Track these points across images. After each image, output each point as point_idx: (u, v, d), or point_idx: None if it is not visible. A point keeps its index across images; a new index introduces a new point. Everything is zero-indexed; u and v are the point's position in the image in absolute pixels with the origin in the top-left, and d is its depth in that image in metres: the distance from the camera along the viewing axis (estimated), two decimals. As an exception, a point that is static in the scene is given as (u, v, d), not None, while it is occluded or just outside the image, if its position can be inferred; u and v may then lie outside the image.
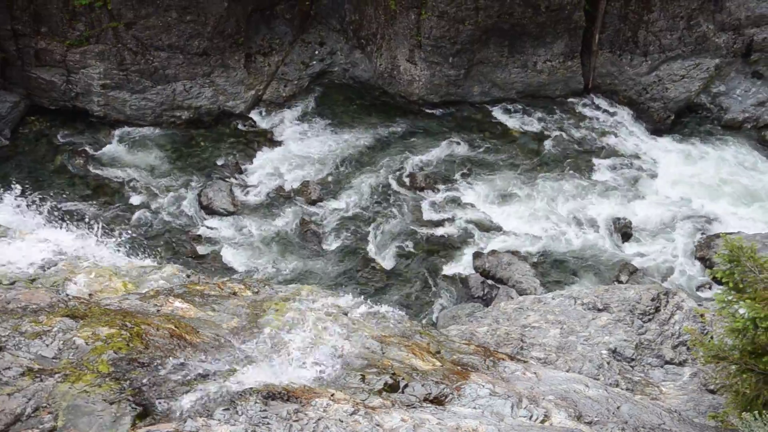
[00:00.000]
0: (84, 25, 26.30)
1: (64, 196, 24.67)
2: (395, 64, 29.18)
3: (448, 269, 23.75)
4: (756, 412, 8.89)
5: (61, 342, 7.06)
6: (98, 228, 11.75)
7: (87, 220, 22.53)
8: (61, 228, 11.23)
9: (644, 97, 29.16)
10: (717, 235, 23.74)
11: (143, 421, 6.28)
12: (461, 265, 23.75)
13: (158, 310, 8.74)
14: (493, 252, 23.80)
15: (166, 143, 27.39)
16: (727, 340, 9.83)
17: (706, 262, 23.26)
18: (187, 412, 6.49)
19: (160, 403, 6.54)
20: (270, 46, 29.66)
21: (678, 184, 26.73)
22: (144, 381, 6.74)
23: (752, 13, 28.17)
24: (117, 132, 27.37)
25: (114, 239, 11.76)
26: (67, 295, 8.71)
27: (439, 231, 24.87)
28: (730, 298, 9.53)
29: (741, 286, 9.48)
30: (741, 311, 9.39)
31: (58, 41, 26.44)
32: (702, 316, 14.61)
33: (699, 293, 22.77)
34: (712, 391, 12.56)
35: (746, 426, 8.78)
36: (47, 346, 7.01)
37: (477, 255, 23.80)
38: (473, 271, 23.44)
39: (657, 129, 28.92)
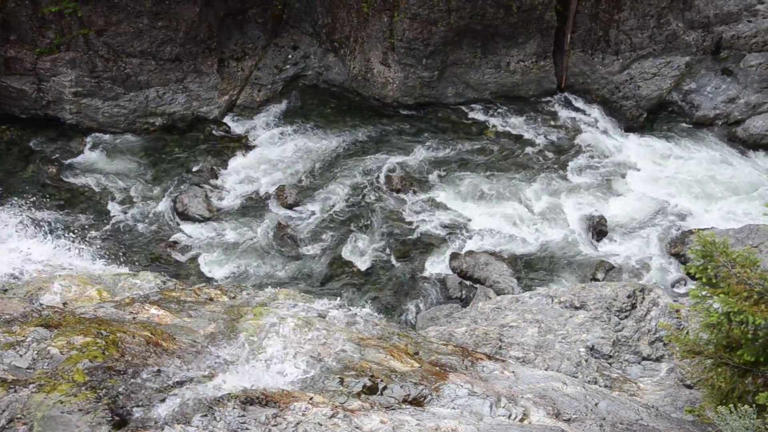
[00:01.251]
0: (54, 32, 26.08)
1: (37, 205, 24.42)
2: (369, 66, 29.19)
3: (426, 270, 23.76)
4: (731, 405, 8.96)
5: (36, 352, 7.00)
6: (72, 237, 11.67)
7: (60, 229, 22.36)
8: (34, 237, 11.14)
9: (617, 95, 29.37)
10: (691, 231, 23.94)
11: (120, 430, 6.24)
12: (439, 266, 23.78)
13: (134, 318, 8.68)
14: (470, 252, 23.86)
15: (139, 150, 27.22)
16: (703, 335, 9.91)
17: (681, 258, 23.45)
18: (164, 420, 6.46)
19: (137, 411, 6.50)
20: (243, 51, 29.57)
21: (651, 182, 26.92)
22: (120, 389, 6.70)
23: (720, 10, 28.45)
24: (90, 140, 27.14)
25: (88, 248, 11.69)
26: (41, 304, 8.63)
27: (416, 232, 24.89)
28: (704, 293, 9.61)
29: (714, 281, 9.56)
30: (715, 306, 9.48)
31: (28, 49, 26.20)
32: (678, 311, 14.72)
33: (674, 289, 22.94)
34: (689, 386, 12.66)
35: (722, 419, 8.85)
36: (21, 356, 6.94)
37: (454, 256, 23.84)
38: (451, 272, 23.47)
39: (630, 127, 29.12)
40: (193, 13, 27.36)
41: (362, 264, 23.81)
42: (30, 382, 6.50)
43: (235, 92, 29.12)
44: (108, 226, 24.27)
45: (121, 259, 20.34)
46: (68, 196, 25.15)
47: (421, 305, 22.57)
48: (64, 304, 9.13)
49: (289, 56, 30.20)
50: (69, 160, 26.35)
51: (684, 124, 29.21)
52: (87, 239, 22.83)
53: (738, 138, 28.39)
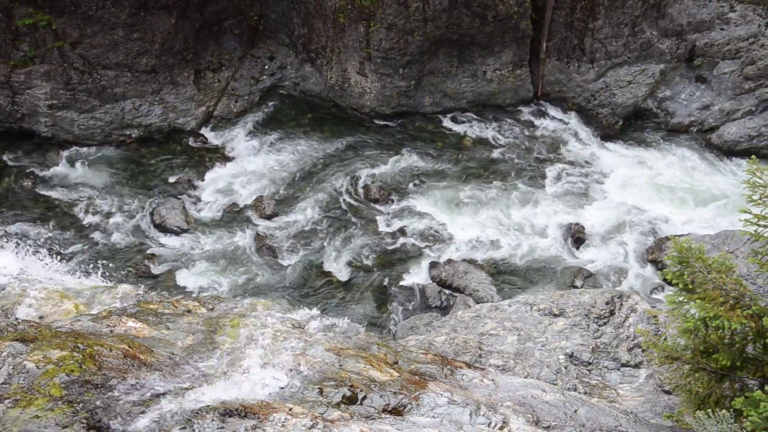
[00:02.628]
0: (28, 45, 25.91)
1: (12, 219, 24.23)
2: (346, 76, 29.22)
3: (405, 280, 23.76)
4: (709, 410, 9.03)
5: (11, 366, 6.93)
6: (48, 250, 11.58)
7: (36, 242, 22.19)
8: (9, 251, 11.04)
9: (593, 103, 29.56)
10: (667, 238, 24.10)
11: (98, 443, 6.19)
12: (418, 275, 23.79)
13: (111, 331, 8.62)
14: (449, 261, 23.89)
15: (116, 162, 27.06)
16: (680, 341, 9.98)
17: (658, 265, 23.60)
18: (142, 433, 6.41)
19: (115, 424, 6.45)
20: (219, 62, 29.52)
21: (628, 189, 27.10)
22: (98, 403, 6.64)
23: (693, 19, 28.72)
24: (66, 152, 26.95)
25: (65, 261, 11.61)
26: (17, 318, 8.55)
27: (395, 242, 24.89)
28: (680, 298, 9.68)
29: (691, 286, 9.63)
30: (692, 311, 9.54)
31: (2, 62, 25.98)
32: (655, 317, 14.81)
33: (652, 296, 23.08)
34: (667, 392, 12.73)
35: (700, 424, 8.91)
36: (-4, 371, 6.88)
37: (433, 265, 23.87)
38: (430, 281, 23.49)
39: (606, 134, 29.32)
40: (169, 25, 27.28)
41: (341, 274, 23.78)
42: (6, 397, 6.44)
43: (212, 103, 29.04)
44: (85, 240, 24.09)
45: (98, 273, 20.17)
46: (44, 209, 24.94)
47: (400, 315, 22.56)
48: (40, 317, 9.05)
49: (266, 67, 30.18)
50: (44, 173, 26.15)
51: (659, 131, 29.45)
52: (63, 253, 22.67)
53: (713, 144, 28.65)
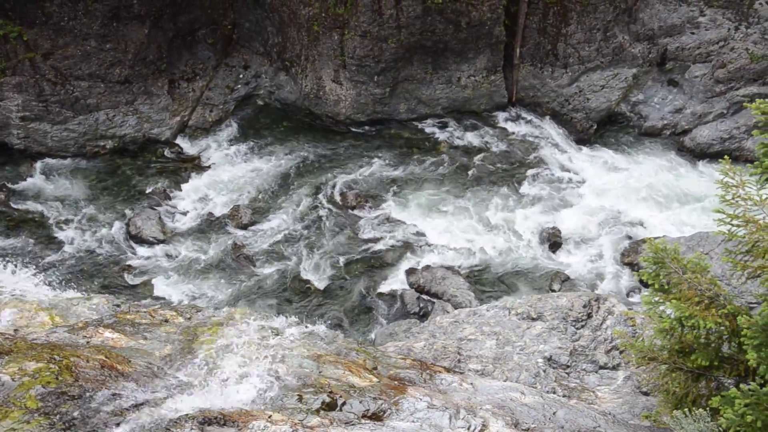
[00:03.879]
0: None
1: (-14, 232, 24.03)
2: (321, 84, 29.23)
3: (383, 287, 23.76)
4: (686, 409, 9.09)
5: (-14, 379, 6.86)
6: (22, 262, 11.48)
7: (10, 254, 21.98)
8: (-18, 264, 10.94)
9: (567, 108, 29.76)
10: (643, 241, 24.28)
11: (76, 455, 6.14)
12: (396, 282, 23.81)
13: (88, 342, 8.56)
14: (427, 267, 23.92)
15: (91, 174, 26.90)
16: (656, 341, 10.04)
17: (634, 267, 23.76)
18: (121, 443, 6.37)
19: (92, 435, 6.40)
20: (193, 72, 29.44)
21: (603, 192, 27.29)
22: (75, 414, 6.59)
23: (664, 23, 29.02)
24: (39, 164, 26.77)
25: (40, 273, 11.52)
26: (-9, 331, 8.47)
27: (373, 249, 24.90)
28: (656, 299, 9.75)
29: (666, 287, 9.71)
30: (668, 311, 9.62)
31: (-26, 74, 25.84)
32: (632, 319, 14.90)
33: (629, 298, 23.22)
34: (645, 393, 12.80)
35: (677, 423, 8.97)
36: (-29, 384, 6.80)
37: (411, 271, 23.89)
38: (408, 288, 23.50)
39: (581, 139, 29.52)
40: (142, 35, 27.18)
41: (319, 282, 23.75)
42: (-19, 411, 6.37)
43: (186, 113, 28.95)
44: (60, 252, 23.91)
45: (74, 284, 20.04)
46: (18, 221, 24.73)
47: (379, 321, 22.56)
48: (15, 330, 8.97)
49: (240, 76, 30.14)
50: (18, 186, 25.95)
51: (633, 135, 29.70)
52: (38, 265, 22.47)
53: (686, 147, 28.92)
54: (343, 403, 8.00)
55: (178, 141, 28.58)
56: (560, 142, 29.46)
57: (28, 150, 26.83)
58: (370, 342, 21.03)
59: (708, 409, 9.03)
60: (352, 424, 7.59)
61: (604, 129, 29.91)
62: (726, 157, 9.59)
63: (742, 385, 8.51)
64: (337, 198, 26.72)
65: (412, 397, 8.41)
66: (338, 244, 25.00)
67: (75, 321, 9.47)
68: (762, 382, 8.32)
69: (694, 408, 9.08)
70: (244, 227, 25.39)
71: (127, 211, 25.53)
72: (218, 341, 8.86)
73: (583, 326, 15.01)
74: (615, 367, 14.27)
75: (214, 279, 23.62)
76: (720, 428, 8.65)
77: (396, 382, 9.03)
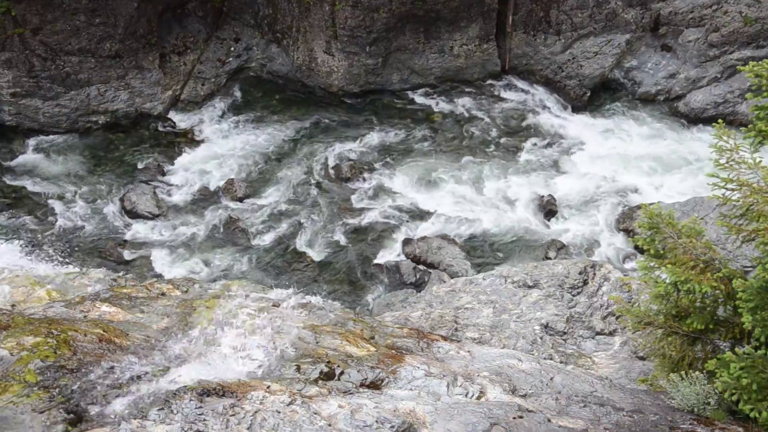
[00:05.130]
0: (-12, 33, 25.54)
1: (-20, 209, 23.97)
2: (312, 56, 29.08)
3: (380, 257, 23.80)
4: (682, 372, 9.15)
5: (-16, 355, 6.88)
6: (18, 239, 11.47)
7: (5, 231, 21.97)
8: (-23, 241, 10.93)
9: (560, 75, 29.66)
10: (638, 207, 24.29)
11: (76, 427, 6.17)
12: (392, 253, 23.83)
13: (85, 316, 8.58)
14: (423, 237, 23.95)
15: (84, 149, 26.80)
16: (652, 306, 10.08)
17: (629, 234, 23.79)
18: (120, 415, 6.40)
19: (92, 408, 6.44)
20: (184, 45, 29.24)
21: (598, 159, 27.27)
22: (74, 387, 6.62)
23: (658, -13, 28.89)
24: (31, 141, 26.66)
25: (36, 249, 11.52)
26: (-12, 307, 8.48)
27: (368, 220, 24.90)
28: (652, 264, 9.78)
29: (662, 252, 9.73)
30: (663, 276, 9.65)
31: (-38, 51, 25.63)
32: (628, 285, 14.96)
33: (624, 264, 23.30)
34: (642, 358, 12.89)
35: (674, 386, 9.04)
36: (-31, 359, 6.82)
37: (407, 241, 23.92)
38: (404, 258, 23.54)
39: (574, 106, 29.45)
40: (131, 8, 26.96)
41: (315, 254, 23.78)
42: (-20, 386, 6.40)
43: (178, 87, 28.81)
44: (55, 228, 23.87)
45: (71, 260, 20.02)
46: (12, 198, 24.66)
47: (376, 292, 22.62)
48: (12, 305, 8.98)
49: (232, 49, 29.95)
50: (10, 163, 25.85)
51: (627, 101, 29.63)
52: (34, 241, 22.45)
53: (680, 113, 28.88)
54: (341, 373, 8.04)
55: (171, 115, 28.46)
56: (554, 110, 29.39)
57: (20, 126, 26.70)
58: (368, 312, 21.11)
59: (704, 372, 9.09)
60: (351, 393, 7.64)
61: (598, 96, 29.82)
62: (720, 120, 9.56)
63: (737, 349, 8.57)
64: (332, 169, 26.67)
65: (410, 365, 8.45)
66: (333, 215, 25.00)
67: (72, 296, 9.48)
68: (757, 345, 8.37)
69: (690, 371, 9.14)
70: (239, 200, 25.36)
71: (121, 187, 25.46)
72: (215, 314, 8.88)
73: (579, 293, 15.08)
74: (611, 333, 14.36)
75: (210, 252, 23.63)
76: (716, 391, 8.72)
77: (393, 351, 9.07)
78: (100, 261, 22.72)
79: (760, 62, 8.90)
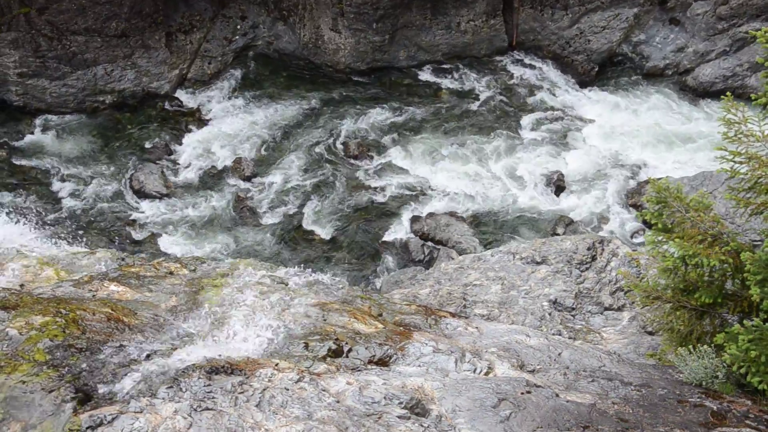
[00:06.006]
0: (-6, 13, 25.51)
1: (-11, 190, 24.04)
2: (319, 33, 28.96)
3: (388, 235, 23.81)
4: (691, 346, 9.15)
5: (-6, 334, 6.91)
6: (26, 219, 11.49)
7: (14, 211, 22.00)
8: (-14, 221, 10.96)
9: (568, 50, 29.47)
10: (647, 181, 24.19)
11: (85, 406, 6.20)
12: (400, 230, 23.84)
13: (93, 295, 8.60)
14: (431, 215, 23.94)
15: (91, 129, 26.82)
16: (660, 280, 10.05)
17: (639, 209, 23.73)
18: (130, 394, 6.43)
19: (101, 387, 6.47)
20: (190, 24, 29.15)
21: (606, 134, 27.16)
22: (83, 366, 6.65)
23: (666, -40, 28.64)
24: (39, 121, 26.69)
25: (44, 229, 11.54)
26: (-3, 287, 8.52)
27: (376, 198, 24.89)
28: (660, 238, 9.74)
29: (669, 226, 9.69)
30: (671, 250, 9.61)
31: (-32, 32, 25.61)
32: (636, 260, 14.92)
33: (633, 239, 23.25)
34: (650, 333, 12.88)
35: (682, 360, 9.03)
36: (-21, 339, 6.85)
37: (415, 219, 23.91)
38: (413, 235, 23.55)
39: (582, 81, 29.29)
40: (137, -13, 26.89)
41: (323, 232, 23.79)
42: (-10, 365, 6.43)
43: (185, 66, 28.75)
44: (63, 207, 23.95)
45: (79, 240, 20.07)
46: (20, 178, 24.73)
47: (384, 270, 22.64)
48: (21, 285, 9.01)
49: (238, 27, 29.84)
50: (18, 143, 25.90)
51: (635, 76, 29.45)
52: (42, 221, 22.52)
53: (688, 87, 28.69)
54: (349, 350, 8.06)
55: (178, 94, 28.43)
56: (562, 85, 29.25)
57: (28, 107, 26.73)
58: (376, 290, 21.14)
59: (712, 345, 9.09)
60: (359, 370, 7.66)
61: (606, 70, 29.65)
62: (728, 93, 9.49)
63: (745, 321, 8.54)
64: (339, 147, 26.64)
65: (418, 342, 8.46)
66: (341, 193, 24.98)
67: (80, 275, 9.51)
68: (765, 317, 8.35)
69: (698, 345, 9.13)
70: (247, 179, 25.37)
71: (129, 166, 25.49)
72: (224, 292, 8.90)
73: (587, 269, 15.06)
74: (620, 308, 14.34)
75: (218, 231, 23.67)
76: (724, 364, 8.72)
77: (401, 328, 9.09)
78: (108, 240, 22.80)
79: (771, 30, 8.80)
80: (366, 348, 8.14)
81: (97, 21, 26.61)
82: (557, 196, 25.08)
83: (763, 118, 8.92)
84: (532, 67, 29.90)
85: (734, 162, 9.15)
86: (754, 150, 9.01)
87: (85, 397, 6.29)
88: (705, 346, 9.01)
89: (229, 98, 28.48)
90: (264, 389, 6.69)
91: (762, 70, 8.82)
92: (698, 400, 8.24)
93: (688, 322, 9.69)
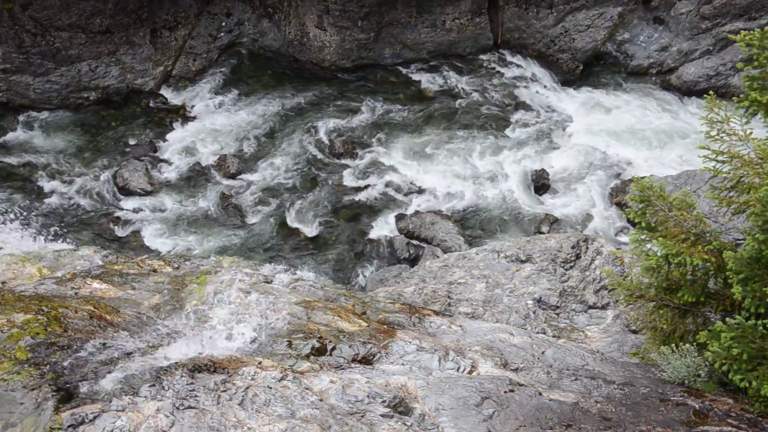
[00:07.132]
0: (-23, 8, 25.32)
1: (-29, 187, 23.87)
2: (304, 31, 28.90)
3: (373, 233, 23.80)
4: (674, 345, 9.20)
5: (-25, 332, 6.86)
6: (8, 216, 11.40)
7: (-4, 209, 21.89)
8: (-33, 218, 10.87)
9: (552, 49, 29.54)
10: (631, 180, 24.28)
11: (67, 404, 6.17)
12: (385, 228, 23.83)
13: (76, 293, 8.56)
14: (416, 213, 23.95)
15: (75, 126, 26.65)
16: (644, 279, 10.11)
17: (623, 207, 23.82)
18: (112, 392, 6.40)
19: (83, 385, 6.44)
20: (175, 20, 29.01)
21: (591, 133, 27.23)
22: (65, 364, 6.62)
23: (650, -41, 28.74)
24: (22, 117, 26.49)
25: (26, 226, 11.45)
26: (-22, 285, 8.46)
27: (361, 196, 24.88)
28: (643, 237, 9.80)
29: (653, 224, 9.75)
30: (654, 249, 9.67)
31: (-48, 27, 25.41)
32: (620, 259, 14.99)
33: (617, 238, 23.34)
34: (634, 331, 12.94)
35: (665, 359, 9.09)
36: (-40, 337, 6.81)
37: (400, 217, 23.92)
38: (398, 234, 23.55)
39: (567, 80, 29.35)
40: (122, -17, 26.76)
41: (308, 230, 23.76)
42: (-29, 363, 6.39)
43: (169, 63, 28.62)
44: (46, 205, 23.81)
45: (62, 237, 19.96)
46: (3, 175, 24.56)
47: (369, 268, 22.65)
48: (2, 282, 8.95)
49: (223, 24, 29.74)
50: (1, 139, 25.71)
51: (619, 75, 29.53)
52: (25, 218, 22.37)
53: (672, 86, 28.81)
54: (333, 348, 8.06)
55: (163, 91, 28.30)
56: (547, 84, 29.31)
57: (11, 103, 26.53)
58: (361, 288, 21.14)
59: (695, 344, 9.14)
60: (342, 369, 7.66)
61: (591, 69, 29.72)
62: (711, 92, 9.54)
63: (728, 319, 8.60)
64: (325, 145, 26.60)
65: (402, 340, 8.47)
66: (327, 191, 24.96)
67: (63, 273, 9.46)
68: (747, 315, 8.40)
69: (681, 343, 9.19)
70: (232, 177, 25.30)
71: (113, 163, 25.36)
72: (207, 290, 8.88)
73: (571, 267, 15.10)
74: (604, 307, 14.40)
75: (202, 229, 23.61)
76: (707, 363, 8.77)
77: (385, 326, 9.09)
78: (91, 238, 22.68)
79: (751, 31, 8.87)
80: (350, 346, 8.14)
81: (81, 17, 26.45)
82: (541, 194, 25.14)
83: (747, 117, 8.98)
84: (516, 65, 29.93)
85: (717, 161, 9.21)
86: (736, 149, 9.07)
87: (66, 396, 6.27)
88: (687, 345, 9.07)
89: (214, 95, 28.37)
90: (247, 387, 6.69)
91: (743, 72, 8.87)
92: (681, 398, 8.28)
93: (671, 320, 9.74)
